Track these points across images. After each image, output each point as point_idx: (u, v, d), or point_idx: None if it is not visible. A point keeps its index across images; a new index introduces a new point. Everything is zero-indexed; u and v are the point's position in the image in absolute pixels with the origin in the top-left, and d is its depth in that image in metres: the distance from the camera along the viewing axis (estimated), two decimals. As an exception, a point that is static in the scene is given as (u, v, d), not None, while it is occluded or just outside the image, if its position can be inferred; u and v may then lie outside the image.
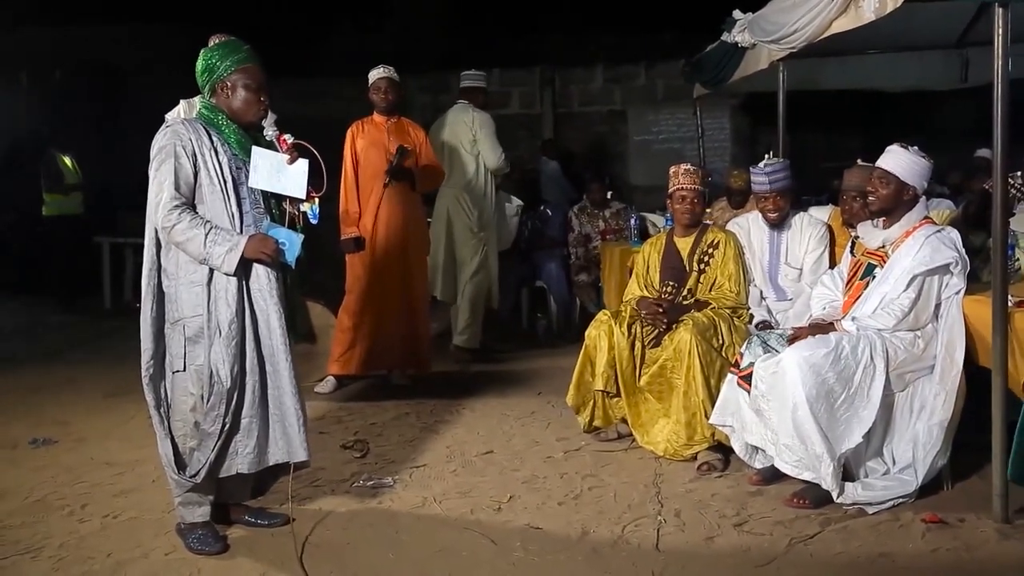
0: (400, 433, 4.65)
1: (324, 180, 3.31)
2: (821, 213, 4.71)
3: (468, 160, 6.12)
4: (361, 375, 5.55)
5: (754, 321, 4.30)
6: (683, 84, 7.21)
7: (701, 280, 4.44)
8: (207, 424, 3.15)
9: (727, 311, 4.29)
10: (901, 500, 3.48)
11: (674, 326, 4.21)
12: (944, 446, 3.50)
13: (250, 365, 3.19)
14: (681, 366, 4.08)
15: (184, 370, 3.17)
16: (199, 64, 3.25)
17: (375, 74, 5.48)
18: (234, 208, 3.19)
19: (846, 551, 3.17)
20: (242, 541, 3.34)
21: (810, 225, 4.48)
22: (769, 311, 4.38)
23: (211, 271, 3.13)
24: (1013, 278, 3.70)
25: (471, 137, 6.09)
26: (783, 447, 3.54)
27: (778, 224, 4.47)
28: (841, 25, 3.75)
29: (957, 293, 3.56)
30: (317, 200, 3.33)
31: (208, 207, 3.16)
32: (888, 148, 3.71)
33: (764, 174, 4.40)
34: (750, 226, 4.58)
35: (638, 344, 4.28)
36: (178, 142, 3.12)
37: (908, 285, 3.56)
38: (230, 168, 3.20)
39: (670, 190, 4.54)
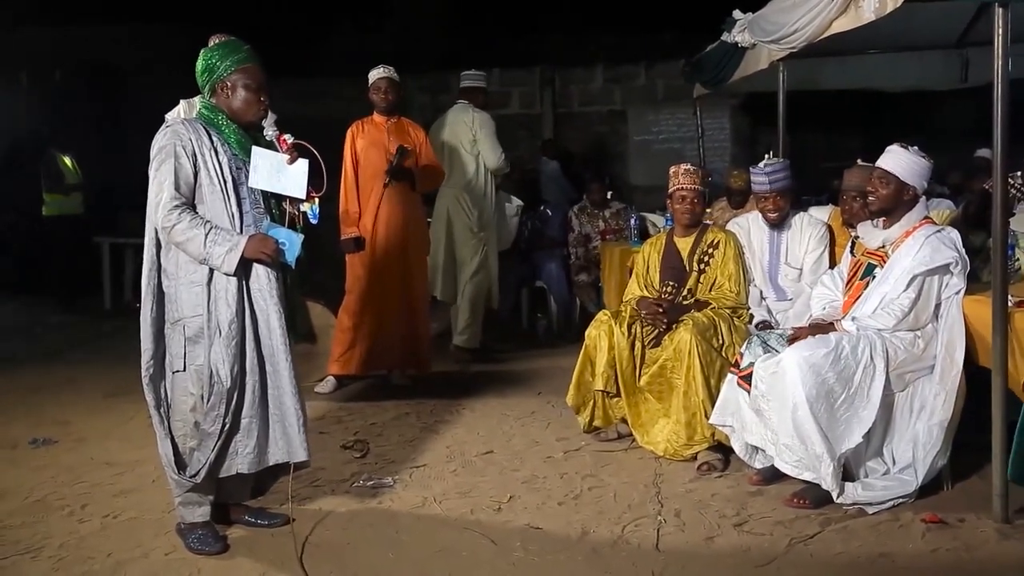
0: (400, 433, 4.65)
1: (324, 180, 3.31)
2: (821, 213, 4.71)
3: (468, 160, 6.12)
4: (361, 375, 5.55)
5: (754, 321, 4.31)
6: (683, 84, 7.22)
7: (701, 280, 4.44)
8: (207, 424, 3.15)
9: (727, 311, 4.29)
10: (901, 500, 3.48)
11: (674, 326, 4.21)
12: (944, 446, 3.50)
13: (250, 365, 3.19)
14: (681, 366, 4.08)
15: (184, 370, 3.17)
16: (199, 64, 3.25)
17: (375, 74, 5.48)
18: (234, 208, 3.19)
19: (846, 551, 3.17)
20: (242, 541, 3.34)
21: (810, 225, 4.48)
22: (769, 311, 4.38)
23: (211, 271, 3.13)
24: (1013, 278, 3.70)
25: (471, 137, 6.09)
26: (783, 447, 3.54)
27: (778, 224, 4.47)
28: (841, 25, 3.75)
29: (957, 293, 3.56)
30: (317, 200, 3.33)
31: (208, 207, 3.16)
32: (888, 148, 3.72)
33: (764, 174, 4.40)
34: (750, 226, 4.58)
35: (638, 344, 4.28)
36: (178, 142, 3.13)
37: (908, 285, 3.56)
38: (230, 168, 3.20)
39: (670, 190, 4.54)
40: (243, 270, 3.15)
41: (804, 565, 3.09)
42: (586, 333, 4.39)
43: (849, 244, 4.05)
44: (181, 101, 3.44)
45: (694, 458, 4.04)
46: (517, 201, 7.18)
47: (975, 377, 3.47)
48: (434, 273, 6.13)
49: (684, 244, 4.52)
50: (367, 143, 5.42)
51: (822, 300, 4.01)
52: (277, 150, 3.25)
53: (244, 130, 3.26)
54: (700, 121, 7.32)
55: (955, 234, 3.65)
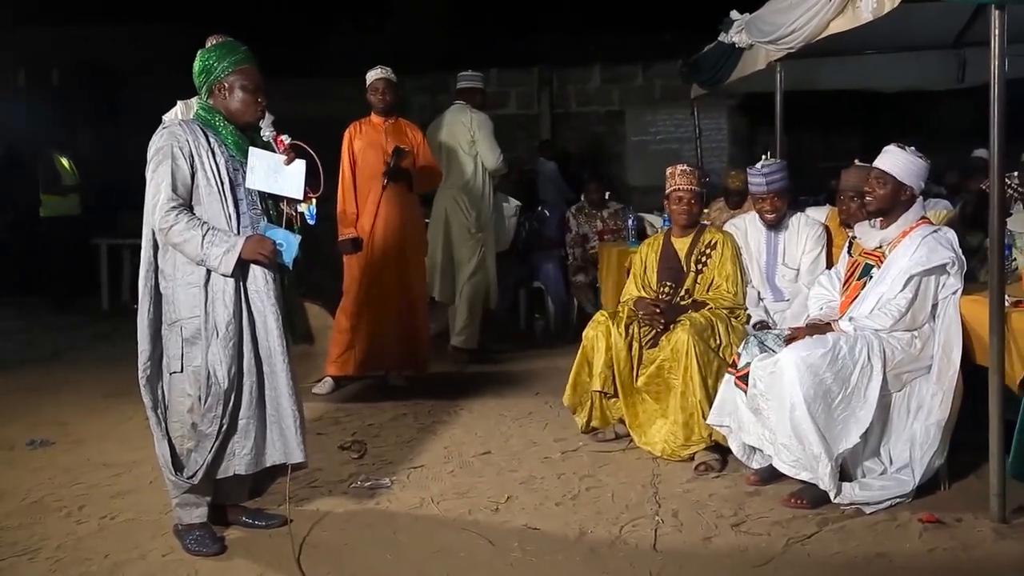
0: (398, 434, 4.65)
1: (321, 181, 3.31)
2: (819, 213, 4.71)
3: (466, 161, 6.12)
4: (359, 376, 5.55)
5: (751, 322, 4.31)
6: (681, 84, 7.21)
7: (698, 281, 4.44)
8: (204, 425, 3.15)
9: (724, 311, 4.29)
10: (898, 500, 3.48)
11: (671, 327, 4.21)
12: (941, 446, 3.50)
13: (247, 366, 3.19)
14: (678, 366, 4.08)
15: (181, 371, 3.17)
16: (196, 65, 3.25)
17: (372, 75, 5.48)
18: (231, 209, 3.18)
19: (843, 551, 3.17)
20: (240, 542, 3.34)
21: (807, 225, 4.48)
22: (767, 311, 4.38)
23: (208, 272, 3.13)
24: (1010, 278, 3.70)
25: (469, 138, 6.09)
26: (781, 447, 3.54)
27: (775, 225, 4.48)
28: (839, 25, 3.75)
29: (954, 293, 3.56)
30: (314, 201, 3.33)
31: (205, 208, 3.16)
32: (885, 148, 3.72)
33: (761, 175, 4.40)
34: (747, 227, 4.58)
35: (635, 344, 4.28)
36: (175, 143, 3.12)
37: (905, 285, 3.57)
38: (227, 169, 3.20)
39: (667, 191, 4.54)
40: (240, 271, 3.15)
41: (801, 565, 3.09)
42: (583, 334, 4.39)
43: (846, 244, 4.06)
44: (178, 102, 3.44)
45: (691, 458, 4.04)
46: (515, 202, 7.18)
47: (972, 376, 3.47)
48: (432, 274, 6.13)
49: (681, 245, 4.52)
50: (365, 144, 5.42)
51: (819, 300, 4.02)
52: (274, 151, 3.25)
53: (241, 131, 3.26)
54: (698, 121, 7.32)
55: (952, 234, 3.66)
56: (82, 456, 4.39)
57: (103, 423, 4.95)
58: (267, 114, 3.27)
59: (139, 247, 3.24)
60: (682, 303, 4.39)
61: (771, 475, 3.74)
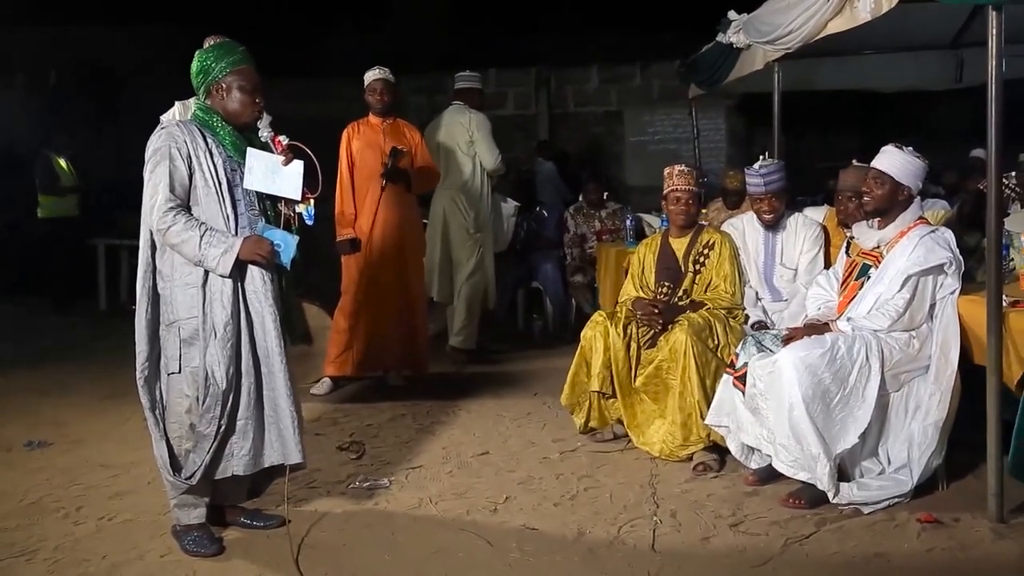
0: (396, 434, 4.65)
1: (319, 181, 3.31)
2: (816, 213, 4.71)
3: (464, 161, 6.12)
4: (357, 376, 5.55)
5: (749, 322, 4.31)
6: (679, 85, 7.22)
7: (696, 281, 4.44)
8: (202, 426, 3.15)
9: (723, 312, 4.29)
10: (896, 500, 3.48)
11: (670, 327, 4.21)
12: (939, 446, 3.51)
13: (245, 367, 3.19)
14: (677, 367, 4.08)
15: (179, 372, 3.16)
16: (194, 66, 3.25)
17: (370, 75, 5.48)
18: (229, 210, 3.18)
19: (842, 551, 3.17)
20: (238, 543, 3.34)
21: (805, 226, 4.48)
22: (765, 312, 4.38)
23: (206, 273, 3.13)
24: (1007, 278, 3.71)
25: (468, 138, 6.09)
26: (780, 447, 3.55)
27: (773, 225, 4.48)
28: (836, 26, 3.76)
29: (952, 293, 3.56)
30: (312, 201, 3.33)
31: (203, 209, 3.16)
32: (883, 149, 3.72)
33: (759, 175, 4.40)
34: (745, 227, 4.58)
35: (634, 345, 4.28)
36: (173, 144, 3.12)
37: (902, 285, 3.57)
38: (225, 170, 3.20)
39: (665, 191, 4.54)
40: (238, 272, 3.15)
41: (800, 565, 3.10)
42: (582, 334, 4.39)
43: (844, 244, 4.06)
44: (176, 103, 3.44)
45: (690, 459, 4.04)
46: (513, 202, 7.18)
47: (970, 376, 3.47)
48: (430, 274, 6.13)
49: (679, 245, 4.52)
50: (363, 144, 5.42)
51: (817, 300, 4.02)
52: (272, 151, 3.25)
53: (239, 132, 3.26)
54: (696, 122, 7.33)
55: (949, 234, 3.66)
56: (80, 457, 4.38)
57: (101, 424, 4.94)
58: (265, 114, 3.26)
59: (137, 248, 3.24)
60: (680, 303, 4.40)
61: (769, 475, 3.74)
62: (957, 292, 3.55)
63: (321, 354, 5.46)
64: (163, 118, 3.37)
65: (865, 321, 3.62)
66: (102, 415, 5.12)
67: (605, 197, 7.23)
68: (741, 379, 3.74)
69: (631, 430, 4.26)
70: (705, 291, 4.41)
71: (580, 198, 7.41)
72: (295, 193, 3.26)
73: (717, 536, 3.32)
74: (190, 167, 3.13)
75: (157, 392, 3.21)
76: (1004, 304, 3.27)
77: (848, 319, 3.67)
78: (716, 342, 4.16)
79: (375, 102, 5.47)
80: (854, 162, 4.23)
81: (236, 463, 3.21)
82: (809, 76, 6.56)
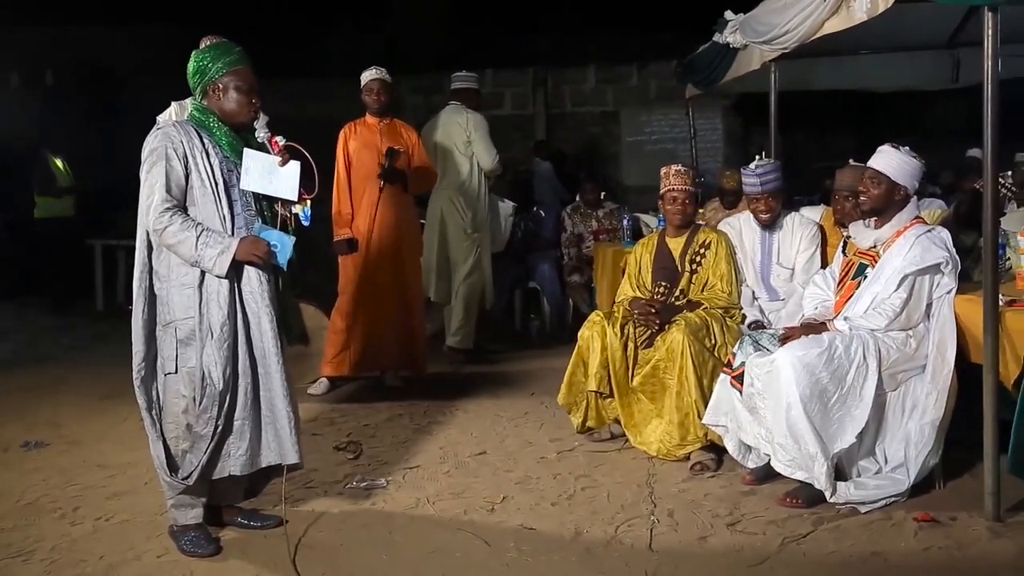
0: (393, 434, 4.65)
1: (316, 182, 3.30)
2: (813, 213, 4.72)
3: (461, 161, 6.12)
4: (354, 376, 5.55)
5: (746, 321, 4.31)
6: (676, 85, 7.23)
7: (693, 280, 4.44)
8: (199, 426, 3.15)
9: (719, 311, 4.30)
10: (893, 499, 3.49)
11: (667, 326, 4.21)
12: (936, 445, 3.51)
13: (242, 367, 3.18)
14: (674, 366, 4.08)
15: (176, 372, 3.16)
16: (190, 66, 3.25)
17: (367, 76, 5.48)
18: (225, 210, 3.18)
19: (839, 550, 3.18)
20: (235, 543, 3.34)
21: (801, 225, 4.49)
22: (761, 311, 4.38)
23: (203, 273, 3.13)
24: (1004, 277, 3.72)
25: (465, 138, 6.09)
26: (777, 446, 3.55)
27: (769, 224, 4.48)
28: (833, 26, 3.76)
29: (948, 292, 3.57)
30: (309, 202, 3.32)
31: (199, 209, 3.16)
32: (879, 148, 3.73)
33: (755, 175, 4.40)
34: (741, 226, 4.59)
35: (631, 345, 4.28)
36: (169, 144, 3.12)
37: (899, 285, 3.57)
38: (221, 170, 3.20)
39: (661, 191, 4.54)
40: (235, 272, 3.15)
41: (797, 564, 3.10)
42: (579, 334, 4.39)
43: (841, 244, 4.06)
44: (172, 103, 3.44)
45: (687, 458, 4.05)
46: (510, 203, 7.18)
47: (966, 375, 3.48)
48: (428, 274, 6.13)
49: (676, 244, 4.52)
50: (359, 145, 5.42)
51: (814, 300, 4.02)
52: (269, 152, 3.25)
53: (235, 132, 3.26)
54: (692, 122, 7.33)
55: (945, 234, 3.67)
56: (77, 457, 4.38)
57: (99, 424, 4.94)
58: (261, 115, 3.26)
59: (134, 248, 3.23)
60: (677, 303, 4.40)
61: (766, 474, 3.75)
62: (954, 291, 3.56)
63: (318, 354, 5.47)
64: (160, 118, 3.37)
65: (862, 320, 3.62)
66: (99, 415, 5.11)
67: (602, 197, 7.23)
68: (738, 379, 3.74)
69: (628, 430, 4.27)
70: (702, 291, 4.41)
71: (577, 198, 7.41)
72: (291, 194, 3.26)
73: (714, 535, 3.33)
74: (186, 167, 3.13)
75: (154, 392, 3.21)
76: (1000, 303, 3.28)
77: (845, 318, 3.68)
78: (713, 342, 4.16)
79: (372, 102, 5.47)
80: (850, 162, 4.24)
81: (233, 463, 3.21)
82: (806, 76, 6.57)
